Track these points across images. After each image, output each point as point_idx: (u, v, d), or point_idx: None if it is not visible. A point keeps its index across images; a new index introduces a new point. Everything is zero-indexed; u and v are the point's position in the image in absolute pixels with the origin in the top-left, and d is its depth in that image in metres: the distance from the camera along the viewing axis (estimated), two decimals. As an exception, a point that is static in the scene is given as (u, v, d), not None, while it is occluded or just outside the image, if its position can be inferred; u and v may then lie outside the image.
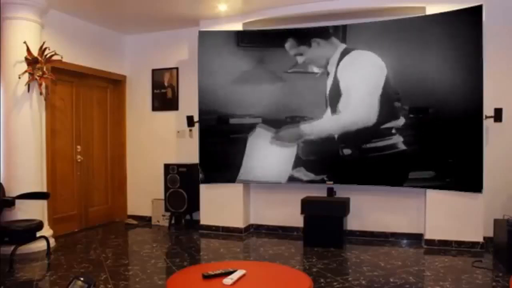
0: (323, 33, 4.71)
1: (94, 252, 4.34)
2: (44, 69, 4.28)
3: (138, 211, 6.05)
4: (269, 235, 5.12)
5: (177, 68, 5.84)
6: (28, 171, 4.26)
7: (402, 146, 4.49)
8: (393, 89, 4.50)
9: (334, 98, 4.69)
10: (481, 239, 4.30)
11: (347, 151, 4.67)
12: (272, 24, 5.09)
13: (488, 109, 4.23)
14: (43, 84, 4.33)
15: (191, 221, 5.62)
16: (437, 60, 4.34)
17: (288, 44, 4.79)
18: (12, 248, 3.76)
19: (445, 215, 4.40)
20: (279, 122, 4.88)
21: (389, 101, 4.52)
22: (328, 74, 4.70)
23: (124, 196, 6.14)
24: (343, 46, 4.64)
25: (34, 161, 4.32)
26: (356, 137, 4.62)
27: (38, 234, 4.08)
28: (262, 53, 4.95)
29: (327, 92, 4.71)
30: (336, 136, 4.68)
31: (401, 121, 4.48)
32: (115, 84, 6.06)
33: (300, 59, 4.78)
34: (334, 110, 4.69)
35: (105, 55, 5.77)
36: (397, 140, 4.50)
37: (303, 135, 4.79)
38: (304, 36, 4.77)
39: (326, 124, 4.72)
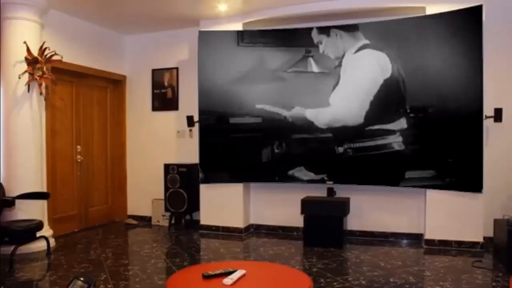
0: (348, 27, 4.72)
1: (94, 252, 4.34)
2: (44, 69, 4.28)
3: (138, 211, 6.06)
4: (269, 235, 5.12)
5: (177, 68, 5.84)
6: (28, 171, 4.26)
7: (402, 146, 4.49)
8: (395, 89, 4.49)
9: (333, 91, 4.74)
10: (481, 239, 4.30)
11: (346, 150, 4.67)
12: (272, 24, 5.09)
13: (488, 109, 4.23)
14: (43, 84, 4.33)
15: (191, 221, 5.62)
16: (437, 60, 4.34)
17: (313, 32, 4.78)
18: (12, 248, 3.76)
19: (445, 215, 4.40)
20: (280, 121, 4.89)
21: (389, 100, 4.52)
22: (339, 66, 4.70)
23: (124, 196, 6.14)
24: (365, 41, 4.62)
25: (34, 161, 4.32)
26: (356, 136, 4.63)
27: (38, 234, 4.08)
28: (262, 52, 4.95)
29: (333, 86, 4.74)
30: (331, 133, 4.70)
31: (401, 120, 4.48)
32: (115, 84, 6.06)
33: (320, 48, 4.76)
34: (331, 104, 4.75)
35: (105, 55, 5.77)
36: (397, 139, 4.50)
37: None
38: (325, 28, 4.78)
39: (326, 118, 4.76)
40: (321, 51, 4.75)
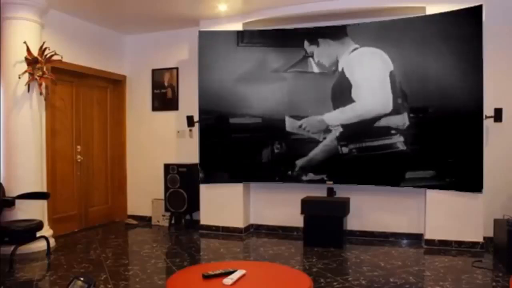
0: (337, 32, 4.70)
1: (94, 252, 4.34)
2: (44, 69, 4.28)
3: (138, 211, 6.06)
4: (269, 235, 5.12)
5: (177, 68, 5.84)
6: (28, 171, 4.26)
7: (402, 146, 4.49)
8: (397, 89, 4.49)
9: (342, 92, 4.69)
10: (481, 239, 4.30)
11: (347, 150, 4.67)
12: (272, 24, 5.09)
13: (488, 109, 4.23)
14: (43, 84, 4.33)
15: (191, 221, 5.62)
16: (437, 60, 4.34)
17: (305, 42, 4.78)
18: (12, 248, 3.76)
19: (445, 215, 4.40)
20: (279, 121, 4.89)
21: (393, 99, 4.52)
22: (336, 70, 4.70)
23: (124, 196, 6.14)
24: (354, 45, 4.63)
25: (34, 161, 4.32)
26: (356, 136, 4.63)
27: (38, 234, 4.08)
28: (262, 52, 4.95)
29: (331, 88, 4.72)
30: (337, 133, 4.69)
31: (402, 120, 4.48)
32: (115, 84, 6.06)
33: (315, 57, 4.75)
34: (337, 106, 4.71)
35: (105, 55, 5.77)
36: (397, 139, 4.50)
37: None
38: (315, 34, 4.76)
39: (330, 119, 4.74)
40: (316, 60, 4.75)
